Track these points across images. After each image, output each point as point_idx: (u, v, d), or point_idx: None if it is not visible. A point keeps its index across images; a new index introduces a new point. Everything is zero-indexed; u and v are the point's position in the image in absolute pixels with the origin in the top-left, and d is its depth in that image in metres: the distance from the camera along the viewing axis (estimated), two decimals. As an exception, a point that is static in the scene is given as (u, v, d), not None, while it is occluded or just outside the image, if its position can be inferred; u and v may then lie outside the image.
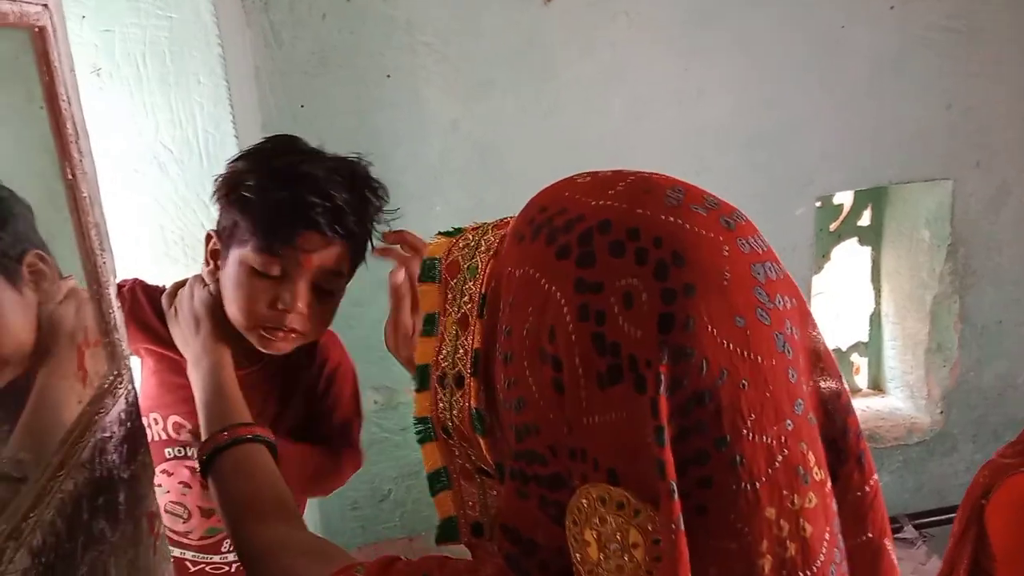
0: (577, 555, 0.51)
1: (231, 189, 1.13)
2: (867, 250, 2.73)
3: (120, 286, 1.20)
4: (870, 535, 0.55)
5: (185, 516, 1.27)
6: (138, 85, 1.56)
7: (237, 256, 1.12)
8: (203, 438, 1.02)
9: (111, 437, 0.81)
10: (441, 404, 0.64)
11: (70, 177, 0.79)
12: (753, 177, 2.27)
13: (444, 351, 0.64)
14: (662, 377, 0.48)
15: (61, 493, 0.66)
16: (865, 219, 2.71)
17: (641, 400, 0.48)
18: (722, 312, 0.49)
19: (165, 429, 1.24)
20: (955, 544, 1.33)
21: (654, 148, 2.16)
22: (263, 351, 1.16)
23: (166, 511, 1.26)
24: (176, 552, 1.28)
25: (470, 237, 0.67)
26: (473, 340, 0.61)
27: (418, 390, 0.66)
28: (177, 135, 1.58)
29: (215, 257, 1.16)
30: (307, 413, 1.32)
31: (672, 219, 0.52)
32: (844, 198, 2.65)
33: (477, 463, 0.66)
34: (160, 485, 1.25)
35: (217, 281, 1.16)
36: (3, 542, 0.55)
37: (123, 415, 0.85)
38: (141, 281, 1.26)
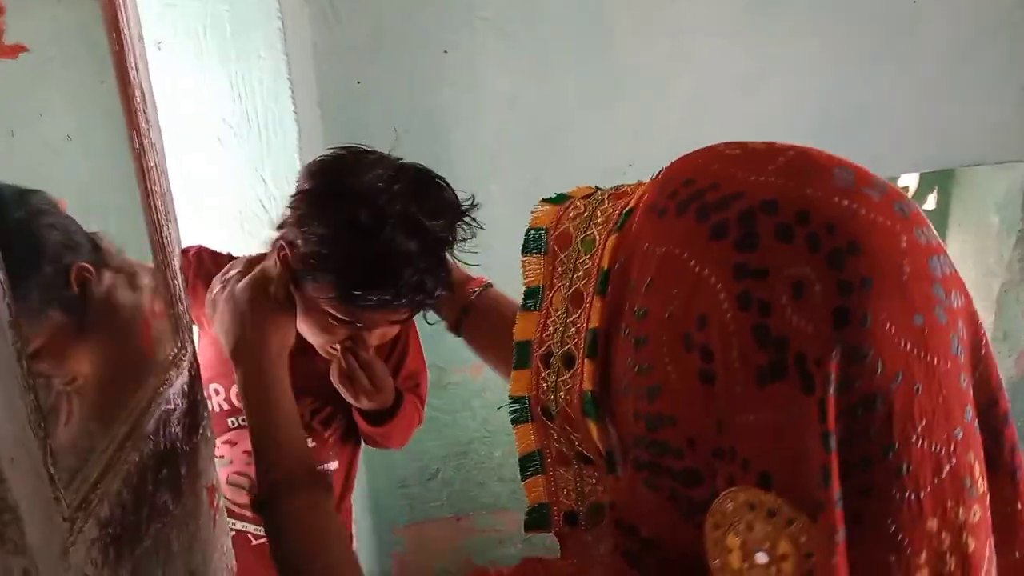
0: (716, 560, 0.47)
1: (312, 233, 1.00)
2: (932, 236, 2.65)
3: (185, 251, 1.19)
4: (1018, 555, 0.51)
5: (248, 486, 1.26)
6: (199, 59, 1.56)
7: (314, 292, 1.03)
8: (257, 465, 0.92)
9: (174, 409, 0.80)
10: (544, 384, 0.60)
11: (137, 147, 0.78)
12: (816, 161, 2.21)
13: (551, 328, 0.60)
14: (832, 377, 0.44)
15: (127, 464, 0.66)
16: (931, 203, 2.63)
17: (807, 401, 0.44)
18: (901, 309, 0.45)
19: (227, 399, 1.24)
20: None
21: (718, 134, 2.09)
22: None
23: (228, 483, 1.26)
24: (238, 525, 1.28)
25: (581, 206, 0.63)
26: (589, 319, 0.57)
27: (516, 367, 0.62)
28: (236, 109, 1.59)
29: (285, 264, 1.05)
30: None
31: (845, 203, 0.47)
32: (909, 181, 2.57)
33: (578, 449, 0.62)
34: (222, 456, 1.25)
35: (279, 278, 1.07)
36: (73, 512, 0.54)
37: (185, 387, 0.85)
38: (206, 247, 1.24)
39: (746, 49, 2.12)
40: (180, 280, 0.85)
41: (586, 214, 0.61)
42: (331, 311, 1.05)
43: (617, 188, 0.63)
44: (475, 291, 1.03)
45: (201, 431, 0.89)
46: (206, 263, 1.20)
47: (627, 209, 0.58)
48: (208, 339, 1.22)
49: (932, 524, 0.45)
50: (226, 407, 1.24)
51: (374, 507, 2.34)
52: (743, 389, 0.46)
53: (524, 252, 0.63)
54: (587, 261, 0.58)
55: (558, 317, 0.59)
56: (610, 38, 2.07)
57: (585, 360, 0.57)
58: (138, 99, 0.78)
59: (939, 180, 2.59)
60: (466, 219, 1.08)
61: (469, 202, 1.09)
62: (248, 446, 1.23)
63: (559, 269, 0.60)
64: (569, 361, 0.58)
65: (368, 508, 2.32)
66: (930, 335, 0.46)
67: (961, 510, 0.46)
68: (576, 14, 2.04)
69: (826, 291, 0.45)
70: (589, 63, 2.07)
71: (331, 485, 0.94)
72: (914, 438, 0.45)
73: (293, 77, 1.62)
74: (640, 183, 0.61)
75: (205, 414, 0.91)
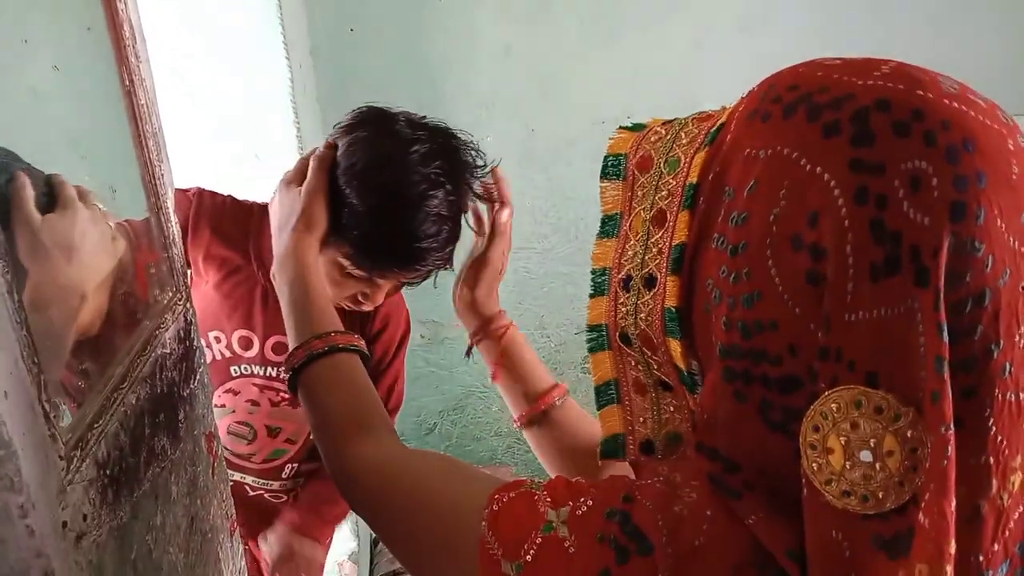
0: (814, 463, 0.47)
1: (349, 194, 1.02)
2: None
3: (184, 192, 1.17)
4: None
5: (250, 437, 1.27)
6: (188, 9, 1.52)
7: (332, 245, 1.04)
8: (292, 345, 0.91)
9: (171, 354, 0.79)
10: (624, 309, 0.59)
11: (127, 83, 0.76)
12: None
13: (630, 251, 0.59)
14: (945, 269, 0.45)
15: (124, 406, 0.64)
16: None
17: (922, 294, 0.45)
18: (1012, 206, 0.46)
19: (229, 346, 1.22)
20: None
21: (717, 77, 2.07)
22: None
23: (230, 432, 1.26)
24: (236, 476, 1.28)
25: (662, 131, 0.61)
26: (673, 236, 0.56)
27: (593, 295, 0.61)
28: (227, 54, 1.55)
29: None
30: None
31: (956, 104, 0.48)
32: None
33: (657, 374, 0.61)
34: (224, 405, 1.25)
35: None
36: (69, 451, 0.53)
37: (182, 332, 0.83)
38: (206, 188, 1.21)
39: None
40: (174, 223, 0.83)
41: (668, 137, 0.60)
42: (352, 269, 1.07)
43: (700, 113, 0.62)
44: (555, 403, 0.98)
45: (198, 378, 0.87)
46: (206, 204, 1.18)
47: (716, 126, 0.57)
48: (210, 284, 1.20)
49: None
50: (228, 354, 1.23)
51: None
52: (855, 286, 0.46)
53: (602, 178, 0.61)
54: (671, 181, 0.57)
55: (638, 240, 0.58)
56: (609, -18, 2.03)
57: (668, 278, 0.56)
58: (127, 33, 0.76)
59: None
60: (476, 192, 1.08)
61: (483, 163, 1.09)
62: (250, 395, 1.24)
63: (639, 193, 0.59)
64: (650, 282, 0.57)
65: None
66: None
67: None
68: (573, -42, 2.00)
69: (943, 185, 0.45)
70: (585, 9, 2.04)
71: (368, 356, 0.92)
72: (1017, 338, 0.46)
73: (285, 23, 1.59)
74: (724, 108, 0.60)
75: (202, 361, 0.90)
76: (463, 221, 1.08)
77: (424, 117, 1.09)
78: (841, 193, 0.46)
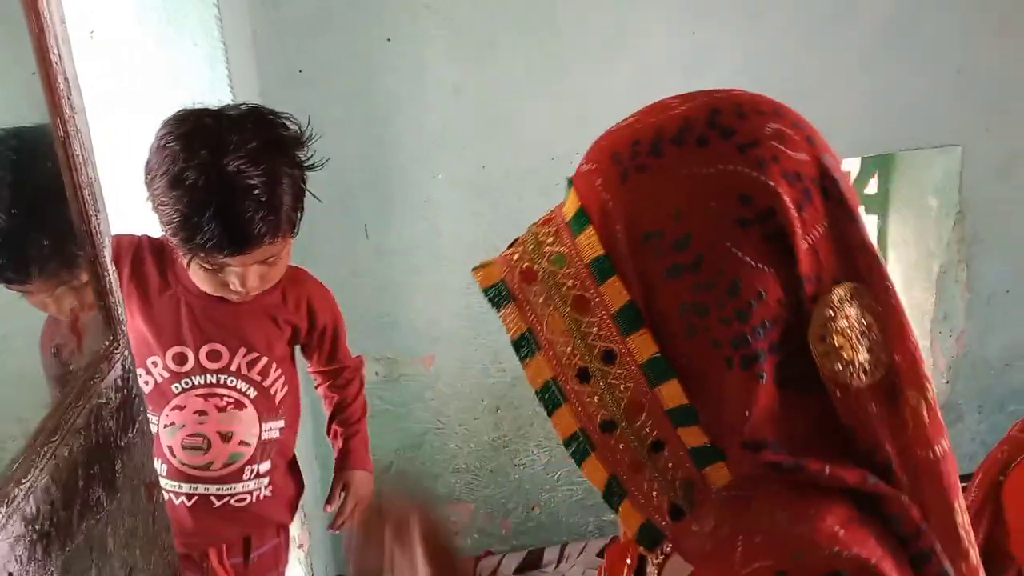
0: (835, 365, 0.55)
1: (166, 197, 1.13)
2: (873, 218, 2.70)
3: (119, 237, 1.25)
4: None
5: (205, 446, 1.30)
6: (132, 48, 1.52)
7: (183, 253, 1.18)
8: None
9: (107, 403, 0.78)
10: (593, 400, 0.59)
11: (62, 134, 0.76)
12: (760, 144, 2.23)
13: (567, 349, 0.59)
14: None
15: (55, 459, 0.64)
16: (872, 187, 2.68)
17: (839, 208, 0.56)
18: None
19: (167, 367, 1.27)
20: (971, 519, 1.31)
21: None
22: None
23: (184, 447, 1.29)
24: (200, 488, 1.32)
25: (519, 249, 0.63)
26: (610, 304, 0.58)
27: (551, 411, 0.60)
28: (174, 99, 1.55)
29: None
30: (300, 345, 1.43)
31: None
32: (851, 165, 2.61)
33: (648, 439, 0.60)
34: (174, 423, 1.29)
35: None
36: (-6, 509, 0.52)
37: (119, 381, 0.83)
38: (121, 232, 1.27)
39: (687, 30, 2.14)
40: (111, 272, 0.83)
41: (531, 246, 0.62)
42: (207, 266, 1.18)
43: (537, 221, 0.65)
44: None
45: (137, 426, 0.87)
46: (124, 244, 1.26)
47: (575, 212, 0.60)
48: (137, 319, 1.26)
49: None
50: (166, 375, 1.27)
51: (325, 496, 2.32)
52: (800, 217, 0.55)
53: (497, 309, 0.62)
54: (569, 271, 0.59)
55: (567, 335, 0.59)
56: (553, 23, 2.07)
57: (631, 337, 0.58)
58: (61, 85, 0.76)
59: (879, 165, 2.64)
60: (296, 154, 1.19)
61: (298, 134, 1.20)
62: (195, 406, 1.27)
63: (539, 300, 0.60)
64: (609, 356, 0.59)
65: (320, 496, 2.30)
66: None
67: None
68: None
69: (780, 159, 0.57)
70: (532, 46, 2.07)
71: None
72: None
73: (231, 65, 1.59)
74: (555, 208, 0.64)
75: (141, 408, 0.89)
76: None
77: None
78: (750, 170, 0.55)
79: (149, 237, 1.28)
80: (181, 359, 1.27)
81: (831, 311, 0.55)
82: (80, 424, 0.70)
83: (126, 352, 0.86)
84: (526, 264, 0.61)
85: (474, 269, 0.64)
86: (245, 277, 1.20)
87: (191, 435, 1.29)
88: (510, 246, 0.65)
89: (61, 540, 0.63)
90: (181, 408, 1.28)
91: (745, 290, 0.55)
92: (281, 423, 1.38)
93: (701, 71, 2.14)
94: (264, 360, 1.32)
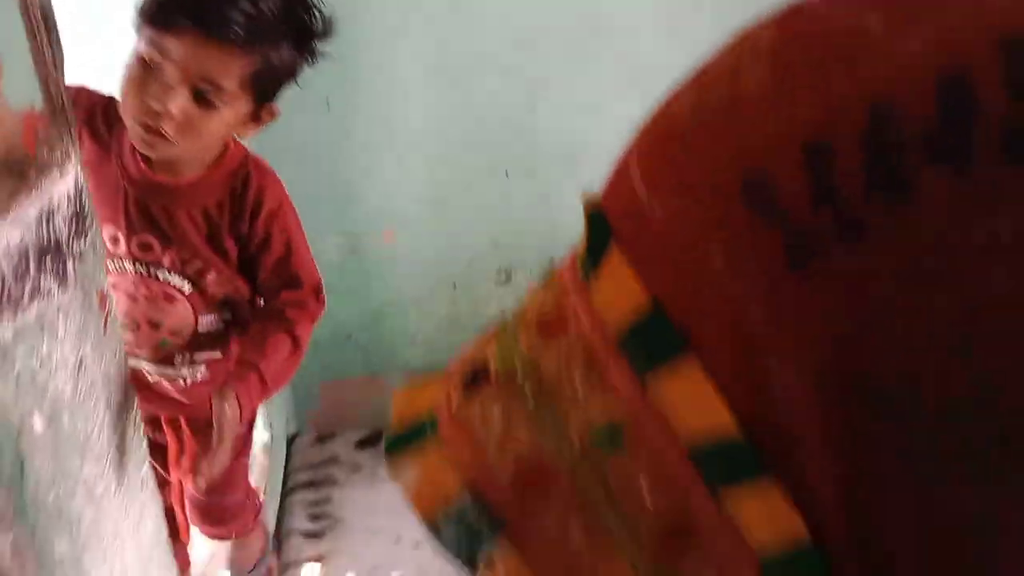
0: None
1: None
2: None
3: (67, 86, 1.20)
4: None
5: (134, 328, 1.30)
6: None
7: (136, 44, 1.12)
8: None
9: (58, 208, 0.84)
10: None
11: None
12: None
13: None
14: None
15: (5, 239, 0.70)
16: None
17: None
18: None
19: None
20: None
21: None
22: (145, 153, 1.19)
23: None
24: (132, 362, 1.29)
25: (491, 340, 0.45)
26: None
27: None
28: None
29: None
30: (245, 258, 1.29)
31: None
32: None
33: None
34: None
35: None
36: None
37: (71, 193, 0.88)
38: (87, 86, 1.25)
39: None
40: (62, 86, 0.87)
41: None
42: (144, 52, 1.09)
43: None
44: None
45: (89, 239, 0.93)
46: (83, 99, 1.21)
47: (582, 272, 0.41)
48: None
49: None
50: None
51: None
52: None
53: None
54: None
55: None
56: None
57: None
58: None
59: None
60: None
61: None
62: (127, 288, 1.26)
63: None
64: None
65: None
66: None
67: None
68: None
69: None
70: None
71: None
72: None
73: None
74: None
75: (94, 225, 0.95)
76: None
77: None
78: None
79: (112, 99, 1.22)
80: (114, 240, 1.24)
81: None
82: (33, 216, 0.76)
83: (78, 171, 0.91)
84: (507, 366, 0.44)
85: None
86: (173, 92, 1.10)
87: (122, 314, 1.25)
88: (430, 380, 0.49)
89: (13, 309, 0.70)
90: (114, 287, 1.24)
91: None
92: (228, 316, 1.34)
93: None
94: (199, 261, 1.26)
